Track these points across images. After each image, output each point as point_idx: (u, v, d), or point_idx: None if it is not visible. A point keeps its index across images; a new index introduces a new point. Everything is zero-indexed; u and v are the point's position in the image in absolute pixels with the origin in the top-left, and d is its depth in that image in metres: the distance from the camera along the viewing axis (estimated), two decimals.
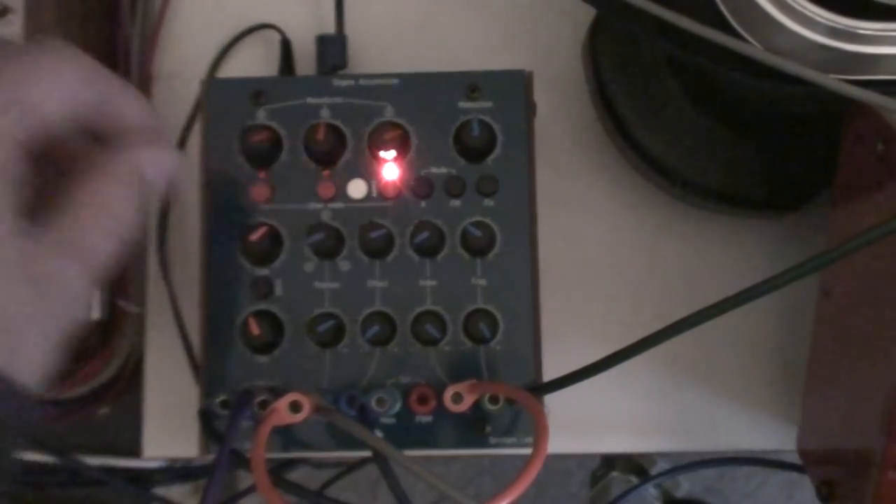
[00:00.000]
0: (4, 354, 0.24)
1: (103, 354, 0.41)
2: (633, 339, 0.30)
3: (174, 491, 0.56)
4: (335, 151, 0.36)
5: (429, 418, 0.35)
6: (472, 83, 0.36)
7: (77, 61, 0.28)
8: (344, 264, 0.36)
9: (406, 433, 0.35)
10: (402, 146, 0.36)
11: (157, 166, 0.30)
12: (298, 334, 0.35)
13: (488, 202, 0.36)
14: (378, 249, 0.35)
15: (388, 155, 0.36)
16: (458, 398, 0.34)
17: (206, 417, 0.35)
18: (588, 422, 0.40)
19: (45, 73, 0.27)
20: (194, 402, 0.36)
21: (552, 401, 0.36)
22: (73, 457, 0.42)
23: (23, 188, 0.26)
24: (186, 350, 0.39)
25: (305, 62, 0.41)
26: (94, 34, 0.41)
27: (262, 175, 0.36)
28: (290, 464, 0.47)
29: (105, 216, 0.28)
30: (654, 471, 0.88)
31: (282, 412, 0.33)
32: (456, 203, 0.36)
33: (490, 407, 0.34)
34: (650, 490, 0.83)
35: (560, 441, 0.35)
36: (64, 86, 0.27)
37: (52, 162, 0.28)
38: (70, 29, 0.39)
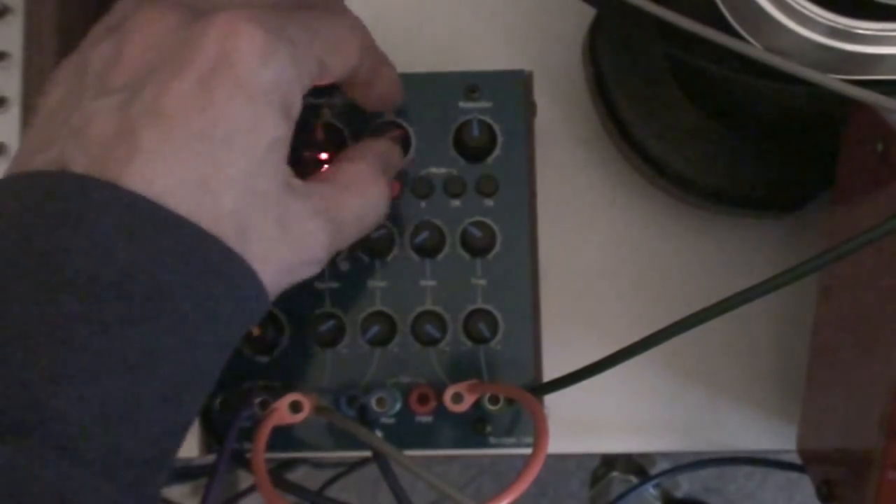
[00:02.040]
0: (240, 241, 0.25)
1: None
2: (633, 339, 0.30)
3: (174, 491, 0.56)
4: (335, 151, 0.36)
5: (429, 418, 0.35)
6: (471, 83, 0.36)
7: (363, 32, 0.31)
8: (344, 264, 0.36)
9: (406, 433, 0.35)
10: (402, 146, 0.36)
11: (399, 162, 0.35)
12: (298, 334, 0.35)
13: (488, 202, 0.36)
14: (378, 249, 0.36)
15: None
16: (458, 398, 0.34)
17: (206, 417, 0.35)
18: (588, 422, 0.40)
19: (342, 40, 0.29)
20: None
21: (552, 401, 0.36)
22: None
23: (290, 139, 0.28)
24: None
25: None
26: None
27: None
28: (290, 464, 0.48)
29: (363, 204, 0.30)
30: (654, 471, 0.88)
31: (282, 412, 0.33)
32: (456, 203, 0.36)
33: (490, 407, 0.34)
34: (650, 490, 0.83)
35: (560, 441, 0.35)
36: (351, 56, 0.29)
37: None
38: (70, 29, 0.39)
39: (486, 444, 0.35)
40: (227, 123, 0.25)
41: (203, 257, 0.24)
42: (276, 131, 0.26)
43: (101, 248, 0.23)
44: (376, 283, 0.36)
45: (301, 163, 0.34)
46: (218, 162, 0.25)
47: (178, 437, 0.26)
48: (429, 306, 0.36)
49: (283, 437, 0.35)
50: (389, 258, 0.36)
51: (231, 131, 0.25)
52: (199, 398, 0.26)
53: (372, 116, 0.36)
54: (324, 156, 0.36)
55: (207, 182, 0.25)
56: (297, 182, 0.28)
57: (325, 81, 0.29)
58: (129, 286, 0.23)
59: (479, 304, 0.36)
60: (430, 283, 0.36)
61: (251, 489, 0.47)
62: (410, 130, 0.36)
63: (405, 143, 0.36)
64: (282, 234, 0.27)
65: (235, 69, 0.25)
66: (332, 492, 0.45)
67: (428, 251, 0.36)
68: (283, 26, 0.26)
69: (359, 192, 0.30)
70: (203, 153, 0.25)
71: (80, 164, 0.24)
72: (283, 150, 0.27)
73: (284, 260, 0.27)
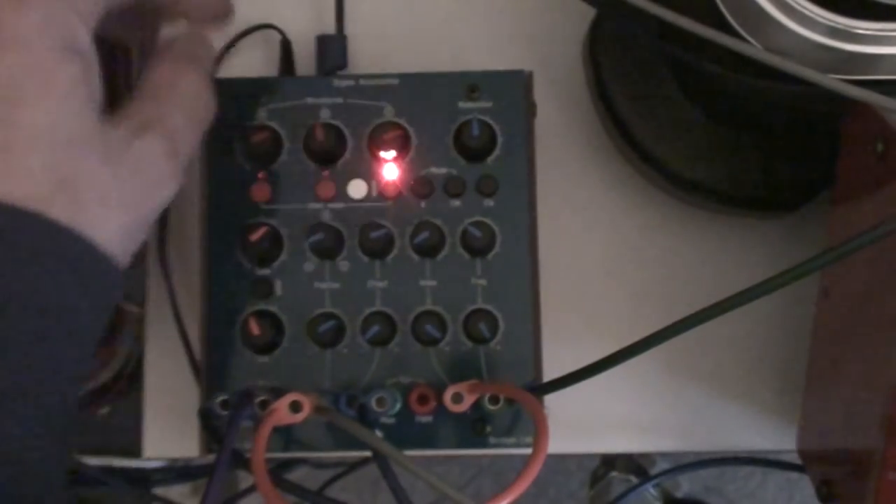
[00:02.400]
0: (69, 210, 0.24)
1: (103, 354, 0.41)
2: (633, 339, 0.30)
3: (174, 491, 0.56)
4: (335, 151, 0.36)
5: (429, 418, 0.35)
6: (472, 83, 0.36)
7: None
8: (344, 264, 0.36)
9: (406, 433, 0.35)
10: (402, 146, 0.36)
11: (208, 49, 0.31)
12: (299, 334, 0.35)
13: (488, 202, 0.36)
14: (378, 249, 0.36)
15: (388, 155, 0.36)
16: (458, 398, 0.34)
17: (206, 417, 0.35)
18: (588, 422, 0.40)
19: None
20: (194, 402, 0.36)
21: (552, 401, 0.36)
22: (73, 457, 0.42)
23: (97, 72, 0.26)
24: (186, 350, 0.39)
25: (305, 62, 0.41)
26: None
27: (261, 175, 0.36)
28: (290, 464, 0.48)
29: (185, 96, 0.29)
30: (654, 471, 0.88)
31: (282, 412, 0.33)
32: (456, 203, 0.36)
33: (490, 407, 0.34)
34: (650, 490, 0.83)
35: (560, 441, 0.35)
36: None
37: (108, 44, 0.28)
38: None
39: (486, 444, 0.35)
40: (6, 82, 0.23)
41: (23, 239, 0.23)
42: (65, 72, 0.24)
43: None
44: (376, 283, 0.36)
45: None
46: (11, 123, 0.23)
47: (43, 439, 0.24)
48: (429, 306, 0.36)
49: (283, 437, 0.35)
50: (389, 258, 0.36)
51: (14, 88, 0.23)
52: (64, 396, 0.24)
53: (367, 118, 0.36)
54: (323, 155, 0.36)
55: (9, 147, 0.23)
56: (110, 112, 0.26)
57: (120, 3, 0.27)
58: None
59: (479, 304, 0.36)
60: (430, 283, 0.36)
61: (251, 489, 0.47)
62: (410, 130, 0.36)
63: (405, 143, 0.36)
64: (112, 166, 0.25)
65: None
66: (332, 492, 0.45)
67: (428, 251, 0.36)
68: None
69: (173, 93, 0.28)
70: None
71: None
72: (86, 88, 0.25)
73: (127, 192, 0.26)
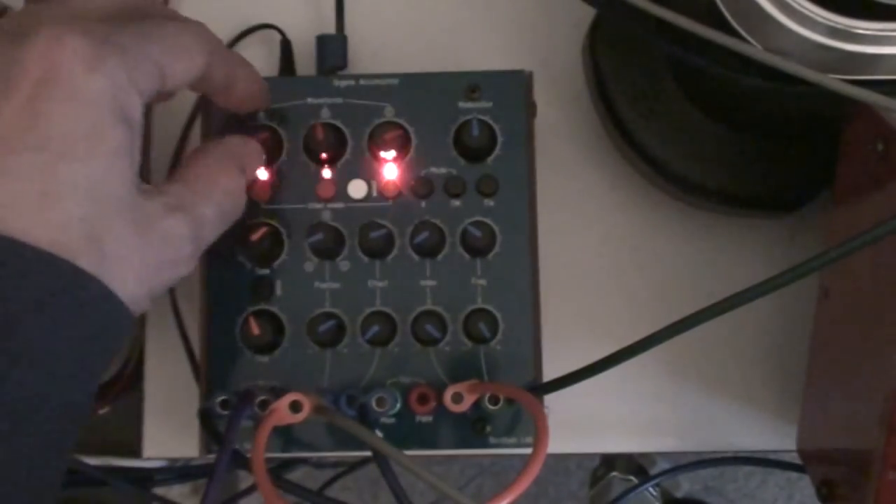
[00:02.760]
0: (94, 262, 0.25)
1: None
2: (633, 339, 0.30)
3: (174, 491, 0.56)
4: (335, 151, 0.36)
5: (429, 418, 0.35)
6: (472, 83, 0.36)
7: (209, 37, 0.31)
8: (344, 264, 0.36)
9: (406, 433, 0.35)
10: (402, 146, 0.36)
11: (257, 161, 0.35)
12: (299, 334, 0.35)
13: (488, 202, 0.36)
14: (378, 249, 0.35)
15: (388, 155, 0.36)
16: (458, 398, 0.34)
17: (206, 417, 0.35)
18: (588, 422, 0.40)
19: (182, 45, 0.29)
20: (194, 402, 0.36)
21: (552, 401, 0.35)
22: (73, 457, 0.42)
23: (139, 144, 0.27)
24: (186, 350, 0.39)
25: (305, 62, 0.41)
26: None
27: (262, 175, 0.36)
28: (290, 464, 0.48)
29: (218, 192, 0.31)
30: (654, 471, 0.88)
31: (282, 412, 0.33)
32: (456, 203, 0.36)
33: (490, 407, 0.34)
34: (650, 490, 0.83)
35: (560, 441, 0.35)
36: (196, 60, 0.29)
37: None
38: None
39: (486, 444, 0.35)
40: (63, 134, 0.25)
41: (45, 281, 0.24)
42: (116, 137, 0.26)
43: None
44: (376, 283, 0.36)
45: None
46: (58, 172, 0.25)
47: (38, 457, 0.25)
48: (429, 306, 0.36)
49: (283, 437, 0.35)
50: (389, 258, 0.36)
51: (68, 141, 0.25)
52: (67, 439, 0.26)
53: (367, 118, 0.36)
54: (323, 155, 0.36)
55: (48, 193, 0.24)
56: (148, 186, 0.28)
57: (172, 87, 0.29)
58: None
59: (479, 304, 0.36)
60: (430, 283, 0.36)
61: (251, 489, 0.47)
62: (410, 130, 0.36)
63: (405, 143, 0.36)
64: (140, 236, 0.27)
65: (62, 80, 0.25)
66: (332, 492, 0.45)
67: (428, 251, 0.36)
68: (110, 34, 0.26)
69: (212, 187, 0.30)
70: (41, 166, 0.24)
71: None
72: (129, 157, 0.27)
73: (148, 262, 0.27)
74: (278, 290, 0.36)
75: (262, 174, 0.36)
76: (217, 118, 0.36)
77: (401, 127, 0.36)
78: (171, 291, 0.40)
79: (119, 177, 0.26)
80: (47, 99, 0.25)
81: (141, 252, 0.27)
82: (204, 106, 0.37)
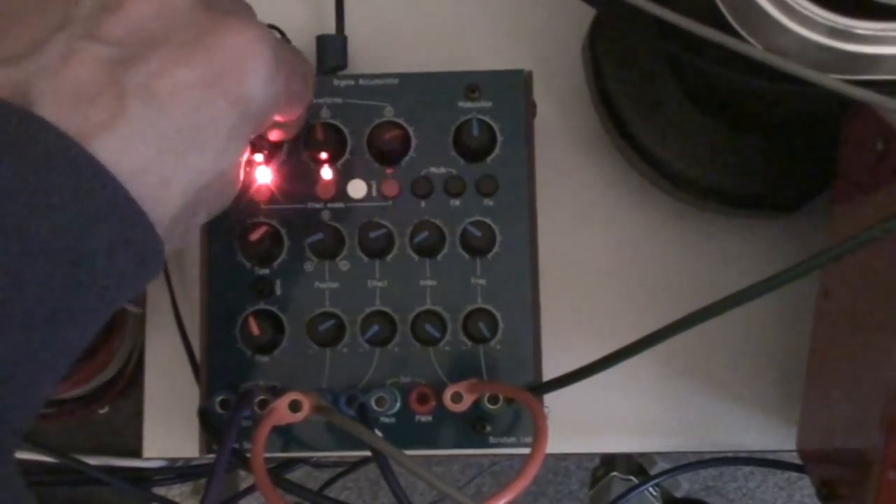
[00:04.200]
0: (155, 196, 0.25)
1: (103, 354, 0.41)
2: (633, 338, 0.30)
3: (174, 491, 0.56)
4: (335, 151, 0.36)
5: (429, 418, 0.35)
6: (471, 83, 0.36)
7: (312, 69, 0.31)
8: (344, 264, 0.36)
9: (406, 433, 0.35)
10: (402, 146, 0.36)
11: None
12: (298, 334, 0.35)
13: (488, 202, 0.36)
14: (378, 249, 0.35)
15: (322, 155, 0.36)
16: (457, 398, 0.34)
17: (206, 417, 0.35)
18: (588, 422, 0.40)
19: (309, 74, 0.30)
20: (194, 402, 0.36)
21: (552, 401, 0.36)
22: (73, 457, 0.42)
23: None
24: (186, 350, 0.39)
25: None
26: None
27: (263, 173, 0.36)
28: (290, 464, 0.48)
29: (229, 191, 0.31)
30: (654, 471, 0.88)
31: (281, 412, 0.33)
32: (456, 203, 0.36)
33: (490, 407, 0.34)
34: (650, 490, 0.83)
35: (560, 441, 0.35)
36: (310, 92, 0.31)
37: None
38: None
39: (485, 444, 0.35)
40: (210, 131, 0.25)
41: (137, 251, 0.24)
42: (240, 153, 0.27)
43: (42, 210, 0.21)
44: (376, 283, 0.36)
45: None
46: (185, 166, 0.25)
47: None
48: (429, 306, 0.36)
49: (283, 437, 0.35)
50: (389, 258, 0.36)
51: (209, 140, 0.25)
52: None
53: (367, 118, 0.36)
54: (323, 155, 0.36)
55: (170, 183, 0.24)
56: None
57: (290, 115, 0.31)
58: (58, 245, 0.22)
59: (479, 304, 0.36)
60: (430, 282, 0.36)
61: (251, 489, 0.47)
62: (410, 130, 0.36)
63: (405, 143, 0.36)
64: (184, 223, 0.27)
65: (242, 85, 0.25)
66: (332, 492, 0.45)
67: (428, 251, 0.36)
68: (279, 52, 0.26)
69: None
70: (177, 151, 0.24)
71: (48, 108, 0.22)
72: (226, 168, 0.27)
73: (178, 235, 0.27)
74: (278, 290, 0.36)
75: (263, 174, 0.36)
76: None
77: (400, 127, 0.36)
78: (171, 292, 0.40)
79: (215, 177, 0.27)
80: (221, 92, 0.25)
81: (175, 228, 0.26)
82: None
